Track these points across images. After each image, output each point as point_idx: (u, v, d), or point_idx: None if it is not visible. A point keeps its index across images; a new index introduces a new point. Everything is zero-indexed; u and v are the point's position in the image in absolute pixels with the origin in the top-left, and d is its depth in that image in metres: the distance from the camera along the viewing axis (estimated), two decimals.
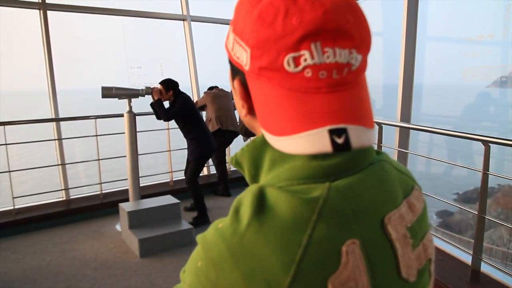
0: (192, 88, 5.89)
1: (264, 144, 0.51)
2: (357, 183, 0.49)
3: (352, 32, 0.46)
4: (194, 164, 4.28)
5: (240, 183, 5.67)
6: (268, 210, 0.45)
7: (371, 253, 0.47)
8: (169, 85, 4.13)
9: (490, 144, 2.54)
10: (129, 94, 3.95)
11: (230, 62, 0.55)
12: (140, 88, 3.99)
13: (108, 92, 3.84)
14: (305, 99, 0.45)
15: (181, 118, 4.17)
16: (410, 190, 0.57)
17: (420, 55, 3.70)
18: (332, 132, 0.43)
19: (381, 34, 7.02)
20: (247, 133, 5.47)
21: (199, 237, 0.50)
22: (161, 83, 4.13)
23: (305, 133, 0.44)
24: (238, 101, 0.57)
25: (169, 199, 4.04)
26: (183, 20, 5.76)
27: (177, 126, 4.40)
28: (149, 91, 4.02)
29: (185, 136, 4.31)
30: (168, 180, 5.35)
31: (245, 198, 0.47)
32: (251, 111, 0.54)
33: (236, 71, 0.54)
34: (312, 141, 0.44)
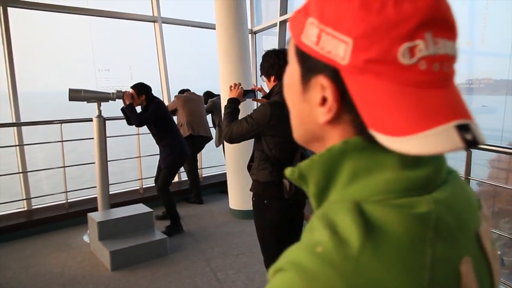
0: (163, 92, 5.71)
1: (343, 153, 0.46)
2: (451, 196, 0.46)
3: (454, 22, 0.43)
4: (166, 172, 4.12)
5: (212, 189, 5.53)
6: (379, 230, 0.40)
7: (477, 271, 0.44)
8: (142, 89, 3.95)
9: (472, 150, 2.52)
10: (99, 97, 3.74)
11: (307, 58, 0.48)
12: (111, 92, 3.80)
13: (76, 95, 3.62)
14: (420, 95, 0.41)
15: (154, 124, 4.00)
16: (478, 200, 0.55)
17: None
18: (459, 128, 0.39)
19: None
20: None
21: (284, 265, 0.41)
22: (133, 87, 3.95)
23: (431, 131, 0.39)
24: (311, 104, 0.49)
25: (141, 208, 3.85)
26: (154, 21, 5.57)
27: (147, 132, 4.22)
28: (120, 95, 3.83)
29: (158, 142, 4.14)
30: (138, 187, 5.13)
31: (340, 216, 0.41)
32: (338, 114, 0.46)
33: (318, 68, 0.46)
34: (442, 139, 0.39)
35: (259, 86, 2.57)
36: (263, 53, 2.33)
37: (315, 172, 0.48)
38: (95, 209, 4.04)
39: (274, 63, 2.24)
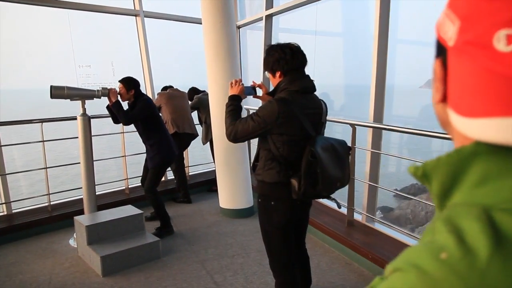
0: (146, 89, 5.53)
1: (474, 155, 0.44)
2: None
3: None
4: (153, 172, 3.97)
5: (200, 188, 5.41)
6: (509, 242, 0.37)
7: None
8: (131, 84, 3.78)
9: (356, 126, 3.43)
10: (84, 95, 3.57)
11: (437, 42, 0.49)
12: (96, 88, 3.62)
13: (59, 92, 3.44)
14: (510, 84, 0.39)
15: (142, 121, 3.84)
16: None
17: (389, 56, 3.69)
18: None
19: (341, 34, 7.07)
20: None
21: (404, 266, 0.40)
22: (122, 81, 3.78)
23: None
24: (434, 85, 0.50)
25: (130, 210, 3.70)
26: (136, 15, 5.38)
27: (132, 130, 4.07)
28: (105, 92, 3.65)
29: (145, 141, 3.98)
30: (124, 187, 4.96)
31: (468, 223, 0.39)
32: (445, 96, 0.47)
33: (439, 51, 0.48)
34: None
35: (258, 82, 2.47)
36: (267, 47, 2.22)
37: (441, 172, 0.46)
38: (80, 212, 3.87)
39: (280, 58, 2.12)
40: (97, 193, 4.70)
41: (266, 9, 5.63)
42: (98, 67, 5.08)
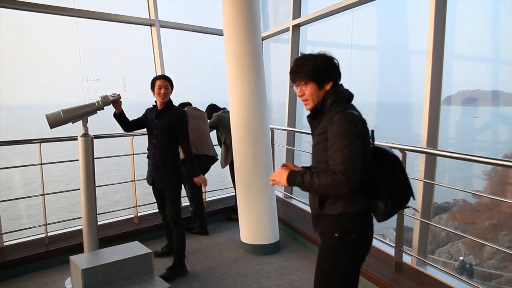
0: None
1: None
2: None
3: None
4: (174, 193, 3.39)
5: (218, 217, 4.82)
6: None
7: None
8: (172, 83, 3.39)
9: (406, 152, 2.92)
10: (83, 113, 3.05)
11: None
12: (95, 100, 3.11)
13: (55, 120, 2.96)
14: None
15: (174, 136, 3.34)
16: None
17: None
18: None
19: (376, 48, 6.47)
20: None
21: None
22: (167, 78, 3.37)
23: None
24: None
25: (137, 248, 3.12)
26: (151, 25, 4.92)
27: (143, 151, 3.52)
28: (107, 101, 3.15)
29: (163, 155, 3.35)
30: (132, 216, 4.41)
31: None
32: None
33: None
34: None
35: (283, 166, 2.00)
36: (321, 54, 1.81)
37: None
38: (80, 246, 3.33)
39: (333, 67, 1.80)
40: (101, 223, 4.22)
41: (293, 19, 5.11)
42: (108, 81, 4.61)
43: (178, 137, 3.33)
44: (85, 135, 3.12)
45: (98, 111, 3.11)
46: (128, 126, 3.45)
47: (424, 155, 3.10)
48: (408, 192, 1.79)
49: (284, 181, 1.77)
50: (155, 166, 3.37)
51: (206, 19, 5.33)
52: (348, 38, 4.70)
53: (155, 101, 3.36)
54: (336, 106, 1.72)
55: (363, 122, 1.73)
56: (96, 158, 3.28)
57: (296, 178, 1.74)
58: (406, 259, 3.18)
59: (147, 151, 3.48)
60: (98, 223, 4.13)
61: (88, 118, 3.14)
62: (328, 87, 1.76)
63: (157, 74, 4.84)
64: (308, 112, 1.90)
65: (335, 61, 1.80)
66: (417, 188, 3.17)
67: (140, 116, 3.48)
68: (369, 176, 1.76)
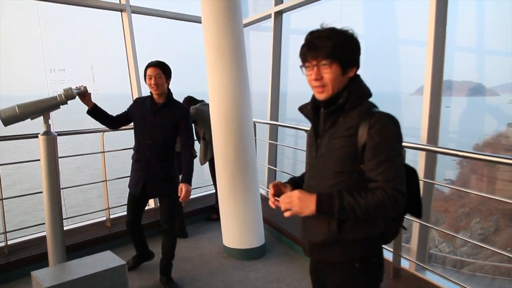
0: (133, 98, 4.65)
1: None
2: None
3: None
4: (173, 204, 3.02)
5: (197, 217, 4.51)
6: None
7: None
8: (168, 70, 2.89)
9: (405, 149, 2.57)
10: (43, 107, 2.65)
11: None
12: (57, 93, 2.70)
13: (10, 116, 2.53)
14: None
15: (173, 135, 2.95)
16: None
17: None
18: None
19: (362, 36, 6.18)
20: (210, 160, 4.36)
21: None
22: (159, 65, 2.84)
23: None
24: None
25: (109, 259, 2.78)
26: (121, 10, 4.51)
27: (113, 148, 3.17)
28: (71, 94, 2.69)
29: (161, 159, 2.93)
30: (104, 218, 4.04)
31: None
32: None
33: None
34: None
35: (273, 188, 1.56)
36: (346, 29, 1.39)
37: None
38: (44, 256, 2.96)
39: (360, 52, 1.41)
40: (70, 227, 3.86)
41: (276, 5, 4.80)
42: (75, 72, 4.20)
43: (182, 138, 2.92)
44: (47, 132, 2.73)
45: (61, 106, 2.73)
46: (111, 122, 3.00)
47: (424, 152, 2.88)
48: (418, 212, 1.53)
49: (310, 208, 1.30)
50: (150, 171, 2.93)
51: (182, 5, 4.95)
52: (338, 26, 4.40)
53: (151, 93, 2.90)
54: (362, 103, 1.39)
55: None
56: (60, 157, 2.91)
57: (331, 203, 1.28)
58: (404, 264, 2.97)
59: (134, 152, 3.02)
60: (66, 227, 3.79)
61: (51, 113, 2.77)
62: (351, 73, 1.39)
63: (129, 64, 4.48)
64: (300, 104, 1.54)
65: (358, 43, 1.41)
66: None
67: (125, 109, 3.06)
68: None
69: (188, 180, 2.84)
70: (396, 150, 1.32)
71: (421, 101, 2.94)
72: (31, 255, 3.30)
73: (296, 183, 1.61)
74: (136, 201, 3.09)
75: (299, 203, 1.31)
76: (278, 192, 1.51)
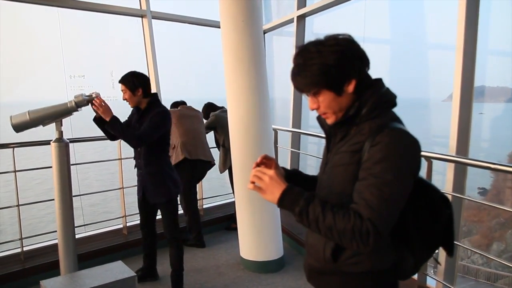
0: None
1: None
2: None
3: None
4: (174, 210, 2.97)
5: (216, 226, 4.40)
6: None
7: None
8: (136, 80, 2.75)
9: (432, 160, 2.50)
10: (56, 114, 2.61)
11: None
12: (68, 100, 2.64)
13: (21, 122, 2.53)
14: None
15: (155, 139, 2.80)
16: None
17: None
18: None
19: (388, 41, 5.96)
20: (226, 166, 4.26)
21: None
22: (123, 80, 2.76)
23: None
24: None
25: (119, 270, 2.70)
26: (142, 16, 4.50)
27: (129, 156, 3.09)
28: (83, 101, 2.62)
29: (144, 166, 2.88)
30: (121, 226, 3.99)
31: None
32: None
33: None
34: None
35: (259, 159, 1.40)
36: (304, 48, 1.18)
37: None
38: (56, 264, 2.91)
39: (351, 57, 1.15)
40: (85, 235, 3.83)
41: (298, 9, 4.67)
42: (94, 78, 4.20)
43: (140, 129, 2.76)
44: (59, 140, 2.69)
45: (73, 113, 2.68)
46: (112, 134, 2.88)
47: (452, 164, 2.66)
48: (449, 249, 1.31)
49: (274, 195, 1.14)
50: (144, 178, 2.91)
51: (203, 10, 4.90)
52: (361, 30, 4.18)
53: None
54: (379, 114, 1.16)
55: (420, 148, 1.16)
56: (73, 164, 2.86)
57: (296, 200, 1.12)
58: (430, 283, 2.75)
59: (134, 160, 3.01)
60: (83, 235, 3.76)
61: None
62: (351, 88, 1.16)
63: (149, 70, 4.44)
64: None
65: (352, 45, 1.17)
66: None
67: (126, 119, 3.02)
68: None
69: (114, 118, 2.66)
70: (388, 176, 1.06)
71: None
72: (46, 262, 3.27)
73: (295, 175, 1.40)
74: (143, 207, 3.08)
75: (267, 183, 1.15)
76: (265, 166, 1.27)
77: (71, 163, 2.81)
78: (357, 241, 1.06)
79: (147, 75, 4.45)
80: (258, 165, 1.26)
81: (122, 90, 2.78)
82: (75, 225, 2.88)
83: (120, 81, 2.79)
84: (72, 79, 3.99)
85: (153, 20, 4.51)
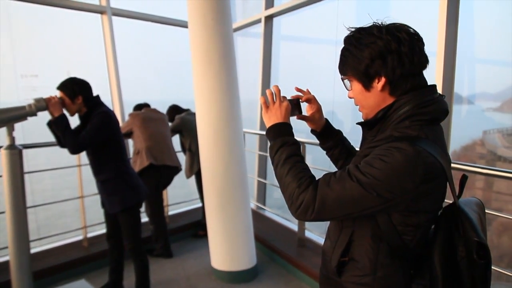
0: (114, 107, 4.34)
1: None
2: None
3: None
4: (132, 219, 2.72)
5: (183, 234, 4.19)
6: None
7: None
8: (75, 87, 2.50)
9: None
10: (9, 117, 2.34)
11: None
12: (26, 104, 2.39)
13: None
14: None
15: (100, 144, 2.60)
16: None
17: None
18: None
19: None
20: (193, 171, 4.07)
21: None
22: (61, 87, 2.51)
23: None
24: None
25: None
26: (101, 13, 4.21)
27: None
28: (42, 105, 2.41)
29: (96, 174, 2.69)
30: (81, 238, 3.69)
31: None
32: None
33: None
34: None
35: (305, 90, 1.34)
36: (352, 29, 1.09)
37: None
38: (8, 285, 2.62)
39: (390, 49, 1.01)
40: (45, 248, 3.52)
41: (266, 9, 4.56)
42: (49, 77, 3.86)
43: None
44: (11, 146, 2.41)
45: (28, 118, 2.41)
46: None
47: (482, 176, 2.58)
48: None
49: (269, 121, 1.18)
50: (98, 187, 2.72)
51: (169, 9, 4.67)
52: (333, 33, 4.09)
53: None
54: (410, 127, 1.01)
55: (443, 167, 0.99)
56: (26, 172, 2.58)
57: (277, 136, 1.13)
58: None
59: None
60: (39, 249, 3.46)
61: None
62: (379, 86, 1.04)
63: (109, 70, 4.17)
64: None
65: (396, 40, 1.01)
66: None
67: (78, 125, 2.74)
68: (423, 244, 1.09)
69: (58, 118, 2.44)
70: (358, 172, 0.96)
71: None
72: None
73: (336, 133, 1.40)
74: (108, 216, 2.88)
75: (274, 107, 1.19)
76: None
77: (24, 171, 2.53)
78: (292, 202, 1.02)
79: (107, 75, 4.20)
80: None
81: (60, 98, 2.50)
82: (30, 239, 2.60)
83: (58, 88, 2.53)
84: (24, 78, 3.64)
85: (113, 17, 4.23)
